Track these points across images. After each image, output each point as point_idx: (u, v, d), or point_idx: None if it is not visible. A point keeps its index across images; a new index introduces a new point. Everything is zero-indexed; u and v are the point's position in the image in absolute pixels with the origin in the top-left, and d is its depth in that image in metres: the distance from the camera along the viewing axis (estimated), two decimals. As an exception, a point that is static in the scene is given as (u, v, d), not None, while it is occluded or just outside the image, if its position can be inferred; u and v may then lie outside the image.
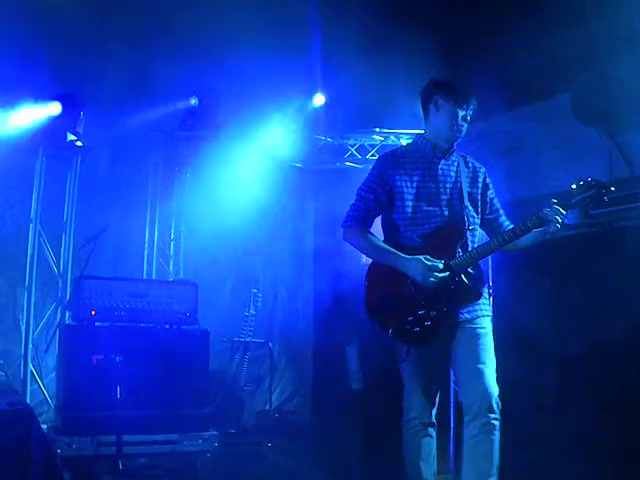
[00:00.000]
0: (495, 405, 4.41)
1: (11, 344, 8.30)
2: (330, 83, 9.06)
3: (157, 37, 8.15)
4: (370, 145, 9.72)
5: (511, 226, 4.80)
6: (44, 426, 6.77)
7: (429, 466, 4.75)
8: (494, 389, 4.45)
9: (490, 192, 4.93)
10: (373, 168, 4.86)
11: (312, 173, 9.95)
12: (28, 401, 7.73)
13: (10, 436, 5.48)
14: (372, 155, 9.68)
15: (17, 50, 7.38)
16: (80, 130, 8.18)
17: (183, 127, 9.18)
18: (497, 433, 4.41)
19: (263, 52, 8.07)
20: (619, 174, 7.38)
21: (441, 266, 4.48)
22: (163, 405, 6.82)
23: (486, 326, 4.67)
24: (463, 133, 4.75)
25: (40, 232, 8.37)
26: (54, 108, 8.08)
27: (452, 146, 4.80)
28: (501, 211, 4.97)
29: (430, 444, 4.76)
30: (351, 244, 4.79)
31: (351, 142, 9.75)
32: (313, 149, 9.69)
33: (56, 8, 7.45)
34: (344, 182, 9.57)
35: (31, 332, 8.25)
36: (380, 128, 9.45)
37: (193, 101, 8.86)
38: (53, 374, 8.11)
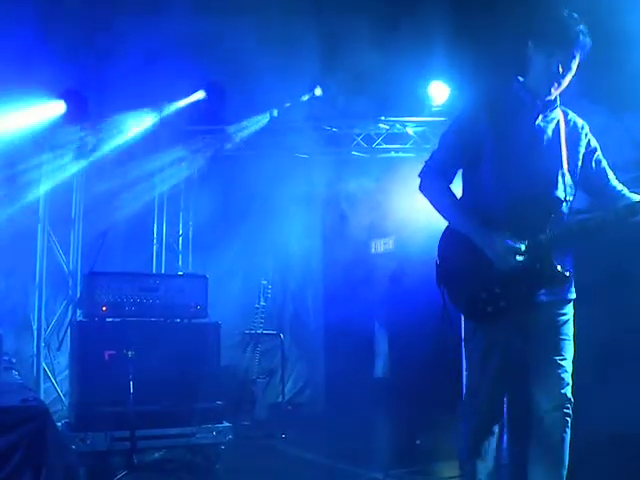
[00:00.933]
0: (569, 402, 3.94)
1: (23, 343, 8.35)
2: (334, 72, 9.03)
3: (159, 33, 8.15)
4: (376, 134, 9.69)
5: (627, 194, 4.11)
6: (58, 423, 6.80)
7: (485, 463, 4.10)
8: (569, 385, 3.95)
9: (596, 155, 4.19)
10: (463, 112, 4.26)
11: (319, 163, 9.93)
12: (42, 399, 7.77)
13: (25, 433, 5.49)
14: (378, 144, 9.67)
15: (20, 48, 7.38)
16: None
17: (191, 121, 9.18)
18: (569, 431, 3.93)
19: (265, 42, 8.06)
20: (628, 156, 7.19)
21: (523, 248, 3.87)
22: (176, 399, 6.82)
23: (568, 312, 4.07)
24: (562, 86, 3.99)
25: (49, 231, 8.40)
26: (59, 106, 8.10)
27: (554, 99, 4.06)
28: (611, 176, 4.21)
29: (491, 439, 4.10)
30: (426, 197, 4.11)
31: (357, 131, 9.72)
32: (319, 139, 9.67)
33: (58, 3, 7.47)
34: (351, 172, 9.59)
35: (43, 330, 8.30)
36: (386, 117, 9.41)
37: (201, 95, 8.83)
38: (66, 372, 8.14)
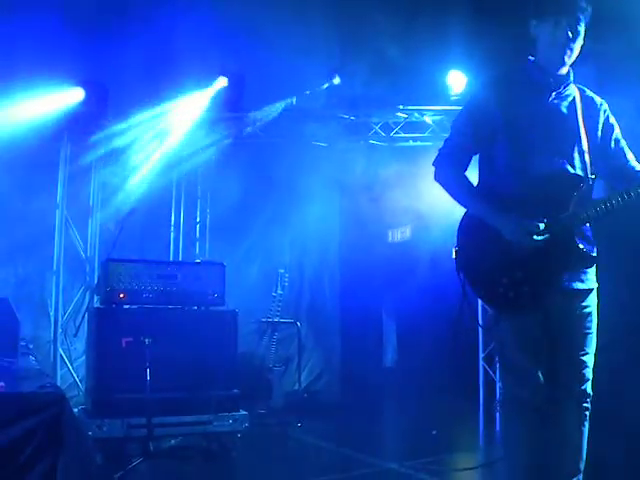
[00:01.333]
0: (588, 397, 3.84)
1: (40, 329, 8.38)
2: (351, 61, 9.00)
3: (178, 20, 8.14)
4: (394, 123, 9.66)
5: None
6: (75, 409, 6.82)
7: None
8: (589, 381, 3.86)
9: (615, 134, 4.06)
10: (474, 95, 4.23)
11: (337, 151, 9.90)
12: (58, 385, 7.80)
13: (42, 419, 5.49)
14: (396, 133, 9.63)
15: (38, 35, 7.39)
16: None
17: (210, 108, 9.17)
18: (587, 425, 3.84)
19: (284, 31, 8.04)
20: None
21: (542, 226, 3.73)
22: (193, 386, 6.84)
23: (593, 303, 3.94)
24: (574, 53, 3.90)
25: (67, 217, 8.43)
26: (78, 94, 8.10)
27: (568, 75, 3.98)
28: (630, 155, 4.07)
29: (540, 430, 3.84)
30: (441, 186, 4.08)
31: (375, 120, 9.69)
32: (336, 128, 9.65)
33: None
34: (369, 160, 9.56)
35: (60, 316, 8.33)
36: (404, 105, 9.38)
37: (223, 82, 8.81)
38: (82, 358, 8.17)
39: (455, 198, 4.06)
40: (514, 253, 3.79)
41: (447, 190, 4.07)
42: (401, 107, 9.40)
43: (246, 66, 8.74)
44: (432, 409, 8.50)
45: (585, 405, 3.83)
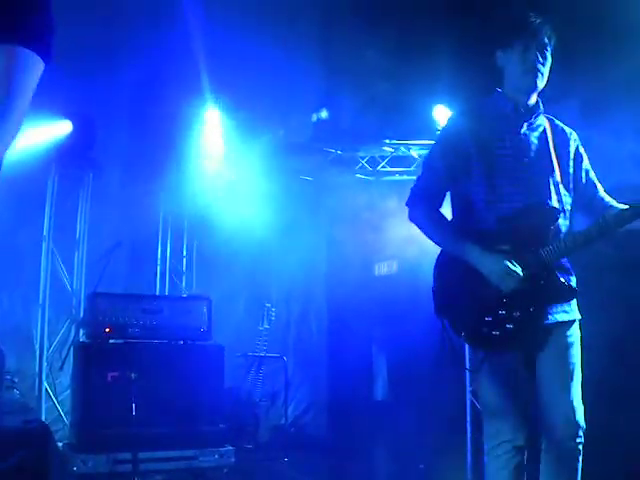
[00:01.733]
0: (582, 430, 3.72)
1: (25, 362, 8.30)
2: (338, 95, 9.04)
3: (165, 53, 8.17)
4: (380, 157, 9.70)
5: (615, 205, 3.92)
6: (59, 444, 6.77)
7: None
8: (580, 411, 3.75)
9: (584, 164, 4.05)
10: (445, 129, 4.13)
11: (323, 186, 9.93)
12: (43, 419, 7.73)
13: (26, 454, 5.47)
14: (382, 167, 9.68)
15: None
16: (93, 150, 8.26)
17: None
18: (580, 459, 3.71)
19: (269, 65, 8.09)
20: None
21: (523, 267, 3.70)
22: (179, 421, 6.81)
23: (575, 333, 3.86)
24: (544, 76, 3.89)
25: (53, 250, 8.40)
26: (65, 126, 8.11)
27: (537, 104, 3.97)
28: (599, 187, 4.05)
29: (523, 474, 3.81)
30: (416, 225, 3.99)
31: (361, 154, 9.73)
32: (323, 162, 9.68)
33: (63, 22, 7.49)
34: (355, 194, 9.59)
35: (45, 350, 8.26)
36: (390, 139, 9.42)
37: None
38: (68, 391, 8.10)
39: (430, 237, 3.98)
40: (495, 291, 3.74)
41: (422, 230, 3.99)
42: (387, 141, 9.45)
43: (227, 98, 8.79)
44: (421, 443, 8.46)
45: (579, 440, 3.72)
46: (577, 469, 3.72)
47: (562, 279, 3.79)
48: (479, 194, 3.85)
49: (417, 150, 9.45)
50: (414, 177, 8.93)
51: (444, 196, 4.03)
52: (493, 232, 3.79)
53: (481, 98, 4.17)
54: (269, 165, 9.20)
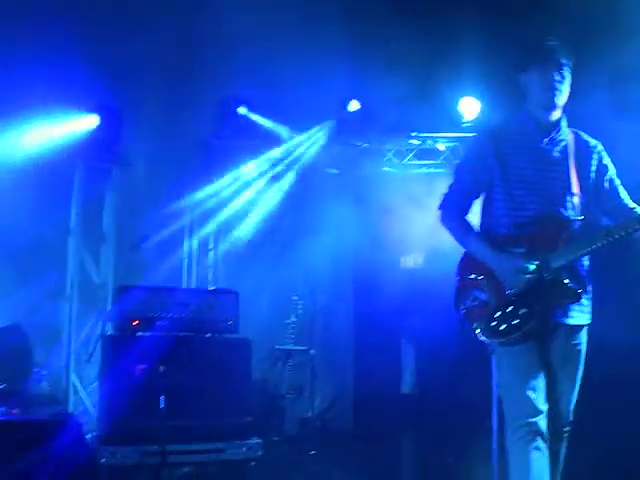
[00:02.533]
0: (571, 424, 4.25)
1: (53, 355, 8.35)
2: (365, 88, 9.01)
3: (196, 48, 8.21)
4: (407, 150, 9.67)
5: (637, 210, 4.28)
6: (87, 436, 6.80)
7: None
8: (571, 412, 4.25)
9: (608, 175, 4.38)
10: (472, 143, 4.63)
11: (350, 179, 9.90)
12: (71, 411, 7.79)
13: (55, 446, 5.51)
14: (409, 160, 9.65)
15: (55, 61, 7.44)
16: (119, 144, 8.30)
17: (219, 136, 9.22)
18: (565, 444, 4.25)
19: (297, 58, 8.09)
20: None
21: (532, 267, 4.06)
22: (206, 414, 6.81)
23: (583, 340, 4.27)
24: (563, 94, 4.23)
25: (80, 243, 8.44)
26: (92, 120, 8.15)
27: (559, 120, 4.32)
28: (622, 194, 4.38)
29: (542, 460, 4.05)
30: (445, 228, 4.48)
31: (388, 147, 9.70)
32: (350, 154, 9.66)
33: (91, 18, 7.54)
34: (381, 187, 9.56)
35: (73, 343, 8.31)
36: (417, 132, 9.39)
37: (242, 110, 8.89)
38: (95, 384, 8.14)
39: (456, 239, 4.44)
40: (504, 289, 4.15)
41: (449, 232, 4.45)
42: (414, 134, 9.41)
43: (255, 93, 8.80)
44: (449, 436, 8.42)
45: (567, 434, 4.23)
46: (563, 456, 4.23)
47: (566, 281, 4.09)
48: (499, 202, 4.29)
49: (444, 143, 9.41)
50: (441, 170, 8.96)
51: (471, 203, 4.47)
52: (510, 236, 4.22)
53: (506, 115, 4.82)
54: (295, 159, 9.20)
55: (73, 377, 8.32)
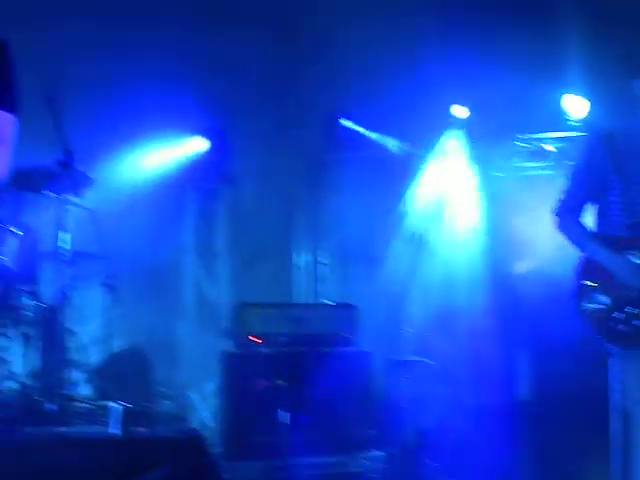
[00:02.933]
0: None
1: (173, 373, 8.50)
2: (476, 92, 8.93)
3: (300, 63, 8.29)
4: (514, 152, 9.52)
5: None
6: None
7: None
8: None
9: None
10: (586, 146, 4.58)
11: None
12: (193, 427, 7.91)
13: (181, 464, 5.59)
14: (517, 162, 9.51)
15: (167, 89, 7.66)
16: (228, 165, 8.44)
17: (326, 150, 9.27)
18: None
19: (401, 67, 8.09)
20: None
21: None
22: (328, 427, 6.83)
23: None
24: None
25: (195, 262, 8.59)
26: (202, 143, 8.33)
27: None
28: None
29: None
30: (561, 234, 4.51)
31: (495, 151, 9.56)
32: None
33: (201, 51, 7.73)
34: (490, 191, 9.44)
35: (192, 360, 8.44)
36: (523, 134, 9.25)
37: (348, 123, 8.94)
38: (216, 400, 8.25)
39: (573, 243, 4.44)
40: (624, 289, 4.12)
41: (566, 237, 4.47)
42: (520, 136, 9.27)
43: (362, 105, 8.82)
44: (566, 442, 8.28)
45: None
46: None
47: None
48: (613, 204, 4.29)
49: (551, 143, 9.24)
50: (550, 172, 8.79)
51: (585, 207, 4.46)
52: (624, 238, 4.21)
53: (618, 118, 4.88)
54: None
55: (193, 394, 8.44)
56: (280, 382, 6.49)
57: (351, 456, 6.88)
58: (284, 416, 6.40)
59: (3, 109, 3.57)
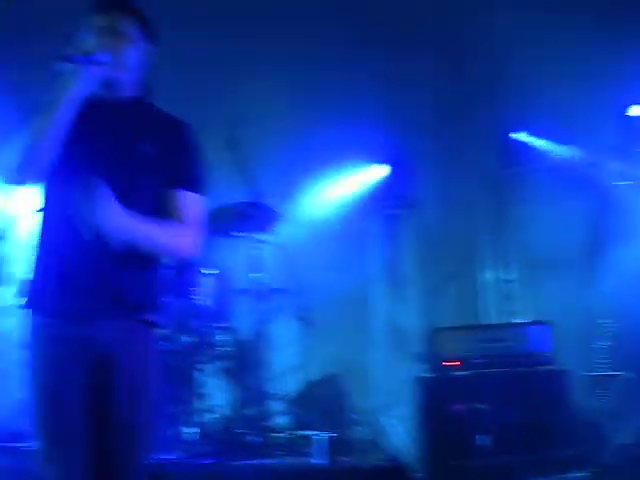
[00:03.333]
0: None
1: (366, 400, 8.57)
2: None
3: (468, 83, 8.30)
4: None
5: None
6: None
7: None
8: None
9: None
10: None
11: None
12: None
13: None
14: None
15: (353, 122, 7.84)
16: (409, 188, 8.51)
17: (504, 166, 9.21)
18: None
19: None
20: None
21: None
22: (529, 449, 6.72)
23: None
24: None
25: (384, 289, 8.66)
26: (382, 169, 8.45)
27: None
28: None
29: None
30: None
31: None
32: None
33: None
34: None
35: (385, 387, 8.49)
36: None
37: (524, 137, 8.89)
38: (410, 426, 8.26)
39: None
40: None
41: None
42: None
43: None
44: None
45: None
46: None
47: None
48: None
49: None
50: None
51: None
52: None
53: None
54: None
55: (386, 420, 8.48)
56: (477, 405, 6.43)
57: (553, 478, 6.75)
58: (484, 439, 6.33)
59: (198, 192, 3.75)
